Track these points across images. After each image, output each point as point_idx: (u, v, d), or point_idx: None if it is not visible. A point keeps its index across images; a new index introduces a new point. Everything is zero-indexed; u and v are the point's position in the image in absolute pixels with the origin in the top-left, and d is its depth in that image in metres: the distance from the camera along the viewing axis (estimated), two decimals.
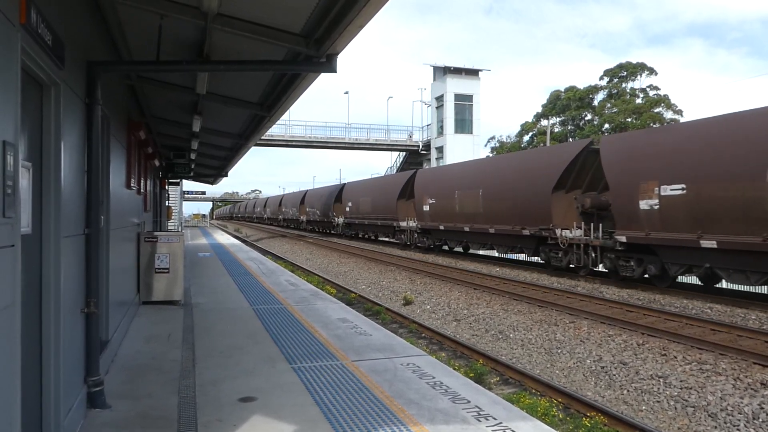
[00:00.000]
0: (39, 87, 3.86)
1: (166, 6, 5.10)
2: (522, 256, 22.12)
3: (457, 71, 52.13)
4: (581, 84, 66.86)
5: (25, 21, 3.06)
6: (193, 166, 20.44)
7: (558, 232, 17.04)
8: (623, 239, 14.74)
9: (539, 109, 69.94)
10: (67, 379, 4.25)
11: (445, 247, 26.74)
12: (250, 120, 11.30)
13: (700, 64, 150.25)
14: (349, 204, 37.85)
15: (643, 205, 13.92)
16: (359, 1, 4.38)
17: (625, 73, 62.68)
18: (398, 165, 56.46)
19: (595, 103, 64.85)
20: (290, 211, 56.84)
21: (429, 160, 52.72)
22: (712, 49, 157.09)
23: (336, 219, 40.19)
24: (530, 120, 70.14)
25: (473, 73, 52.69)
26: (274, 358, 6.68)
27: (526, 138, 68.75)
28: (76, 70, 4.65)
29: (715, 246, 12.15)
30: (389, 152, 58.18)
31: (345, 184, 40.90)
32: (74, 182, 4.57)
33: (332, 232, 42.58)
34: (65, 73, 4.10)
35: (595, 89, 64.77)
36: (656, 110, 57.72)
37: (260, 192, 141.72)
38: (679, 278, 15.10)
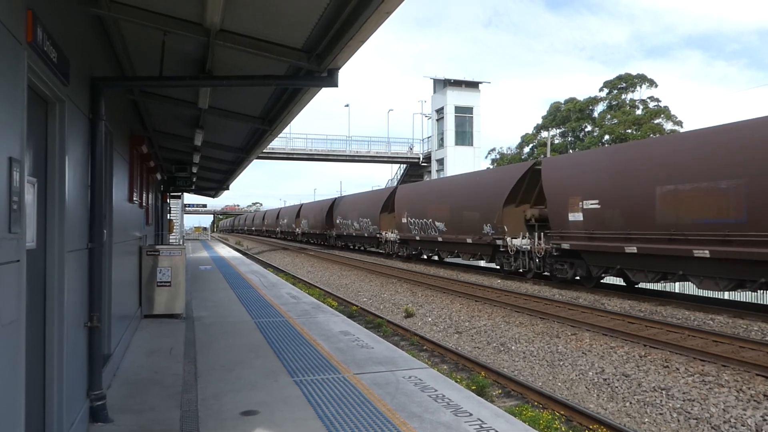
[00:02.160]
0: (44, 103, 3.91)
1: (170, 22, 5.16)
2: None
3: (457, 84, 52.30)
4: (581, 96, 67.24)
5: (32, 39, 3.11)
6: (194, 180, 20.49)
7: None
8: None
9: (539, 121, 70.24)
10: (70, 393, 4.26)
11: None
12: (252, 134, 11.36)
13: (698, 76, 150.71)
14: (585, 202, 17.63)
15: None
16: (360, 17, 4.43)
17: (625, 84, 62.98)
18: (399, 177, 56.48)
19: (595, 114, 65.08)
20: (354, 224, 37.43)
21: (430, 172, 52.80)
22: (710, 60, 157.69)
23: (507, 239, 20.44)
24: (530, 132, 70.43)
25: (473, 85, 52.86)
26: (276, 371, 6.68)
27: (527, 149, 68.95)
28: (81, 87, 4.70)
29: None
30: (390, 164, 58.25)
31: (540, 159, 21.89)
32: (78, 197, 4.60)
33: (511, 268, 20.80)
34: (70, 89, 4.15)
35: (595, 101, 65.04)
36: (656, 121, 57.92)
37: (261, 204, 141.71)
38: None
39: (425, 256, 29.11)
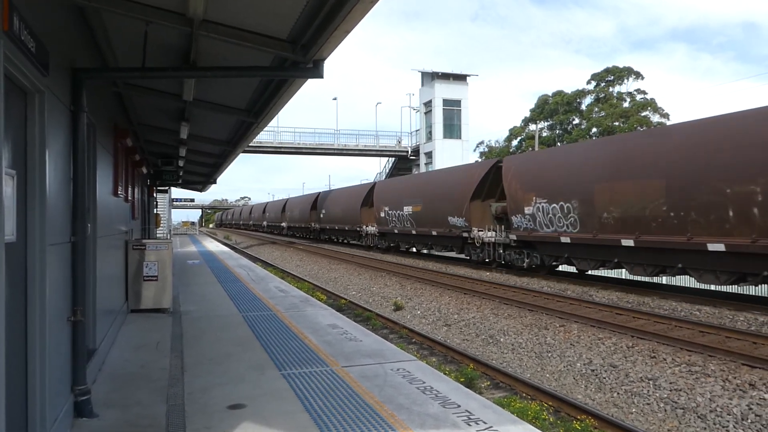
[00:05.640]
0: (23, 94, 3.83)
1: (152, 12, 5.08)
2: None
3: (445, 77, 52.20)
4: (568, 89, 67.28)
5: (8, 28, 3.04)
6: (181, 174, 20.32)
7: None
8: None
9: (527, 114, 70.28)
10: (53, 388, 4.21)
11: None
12: (238, 126, 11.27)
13: (684, 69, 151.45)
14: None
15: None
16: (345, 7, 4.39)
17: (612, 77, 63.11)
18: (388, 171, 56.38)
19: (583, 107, 65.23)
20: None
21: (418, 165, 52.75)
22: (696, 53, 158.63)
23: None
24: (518, 125, 70.49)
25: (461, 78, 52.79)
26: (264, 365, 6.64)
27: (515, 142, 69.02)
28: (61, 78, 4.62)
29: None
30: (378, 158, 58.18)
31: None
32: (60, 190, 4.53)
33: None
34: (49, 80, 4.07)
35: (582, 93, 65.14)
36: (643, 114, 58.15)
37: (249, 199, 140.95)
38: None
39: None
